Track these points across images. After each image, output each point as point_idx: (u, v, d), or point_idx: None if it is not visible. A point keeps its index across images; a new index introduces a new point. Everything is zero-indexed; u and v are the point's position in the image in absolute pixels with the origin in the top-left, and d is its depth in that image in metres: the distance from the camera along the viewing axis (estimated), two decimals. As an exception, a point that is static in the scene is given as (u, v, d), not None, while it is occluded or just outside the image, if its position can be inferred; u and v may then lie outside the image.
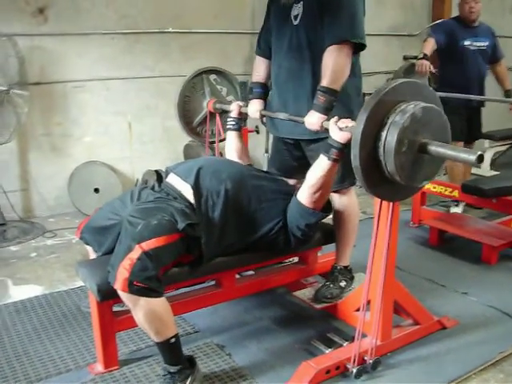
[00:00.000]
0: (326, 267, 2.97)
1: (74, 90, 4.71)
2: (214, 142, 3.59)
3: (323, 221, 2.63)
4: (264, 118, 3.01)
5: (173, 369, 2.25)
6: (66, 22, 4.55)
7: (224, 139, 3.23)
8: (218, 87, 3.61)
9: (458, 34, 4.48)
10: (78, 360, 2.57)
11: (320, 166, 2.32)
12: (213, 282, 2.72)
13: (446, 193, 4.27)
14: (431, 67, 4.42)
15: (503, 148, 6.36)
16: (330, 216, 2.86)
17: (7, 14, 4.32)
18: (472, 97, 4.36)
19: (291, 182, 2.90)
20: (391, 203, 2.23)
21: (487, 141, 6.09)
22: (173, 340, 2.22)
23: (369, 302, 2.44)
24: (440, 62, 4.70)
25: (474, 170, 5.40)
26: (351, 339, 2.46)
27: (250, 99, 3.07)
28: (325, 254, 3.08)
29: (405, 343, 2.64)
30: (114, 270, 2.14)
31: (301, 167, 2.76)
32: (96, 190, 4.78)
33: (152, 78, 4.96)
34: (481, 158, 1.78)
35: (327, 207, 2.54)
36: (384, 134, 1.90)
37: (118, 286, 2.11)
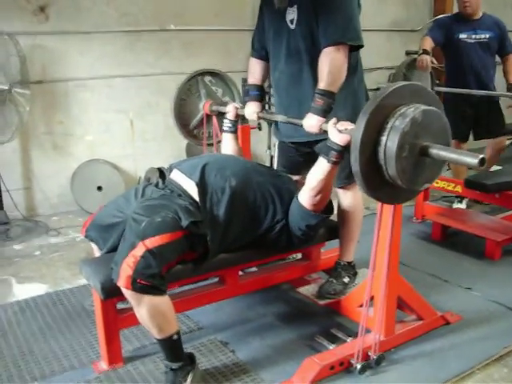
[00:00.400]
0: (330, 263, 2.97)
1: (75, 89, 4.72)
2: (211, 144, 3.58)
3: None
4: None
5: (175, 365, 2.26)
6: (67, 21, 4.55)
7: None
8: (214, 88, 3.59)
9: (453, 28, 4.45)
10: (82, 357, 2.58)
11: (320, 169, 2.31)
12: (216, 279, 2.72)
13: (449, 188, 4.26)
14: (433, 61, 4.40)
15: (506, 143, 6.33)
16: (334, 212, 2.87)
17: (8, 12, 4.32)
18: (465, 91, 4.35)
19: (296, 177, 2.90)
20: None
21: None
22: (175, 337, 2.22)
23: (372, 298, 2.43)
24: (444, 59, 4.69)
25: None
26: (355, 335, 2.46)
27: (246, 101, 3.05)
28: (328, 250, 3.08)
29: (408, 339, 2.64)
30: (118, 267, 2.14)
31: (308, 162, 2.74)
32: (99, 188, 4.79)
33: (153, 76, 4.96)
34: (483, 161, 1.76)
35: (328, 208, 2.53)
36: (384, 138, 1.88)
37: (122, 283, 2.12)
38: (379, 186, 1.98)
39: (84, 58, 4.69)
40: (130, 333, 2.72)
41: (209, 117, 3.45)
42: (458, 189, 4.18)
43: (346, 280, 2.86)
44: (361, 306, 2.48)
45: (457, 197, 4.64)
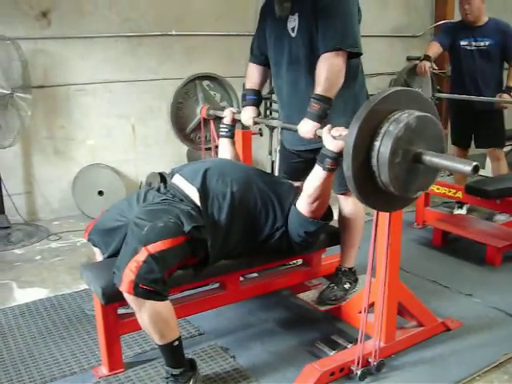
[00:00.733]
0: (330, 269, 2.97)
1: (77, 93, 4.73)
2: (209, 149, 3.58)
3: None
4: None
5: (176, 371, 2.25)
6: (69, 26, 4.57)
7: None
8: (212, 93, 3.59)
9: (456, 34, 4.45)
10: (82, 363, 2.58)
11: (316, 176, 2.30)
12: (217, 285, 2.72)
13: (450, 194, 4.26)
14: (433, 67, 4.40)
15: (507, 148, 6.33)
16: (335, 218, 2.87)
17: (10, 17, 4.33)
18: (463, 97, 4.34)
19: (297, 183, 2.90)
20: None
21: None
22: (176, 343, 2.22)
23: (373, 304, 2.43)
24: (450, 64, 4.68)
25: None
26: (355, 341, 2.46)
27: (243, 106, 3.04)
28: (329, 256, 3.08)
29: (409, 345, 2.64)
30: (120, 271, 2.15)
31: (310, 169, 2.73)
32: (100, 193, 4.79)
33: (155, 81, 4.96)
34: (476, 169, 1.72)
35: (328, 215, 2.52)
36: (377, 144, 1.84)
37: (124, 288, 2.12)
38: (372, 192, 1.94)
39: (86, 63, 4.70)
40: (130, 338, 2.72)
41: (206, 121, 3.45)
42: (459, 195, 4.18)
43: (347, 286, 2.86)
44: (364, 311, 2.48)
45: (457, 202, 4.64)
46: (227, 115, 3.06)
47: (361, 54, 2.63)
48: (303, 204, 2.42)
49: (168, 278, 2.21)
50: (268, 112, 5.17)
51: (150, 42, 4.94)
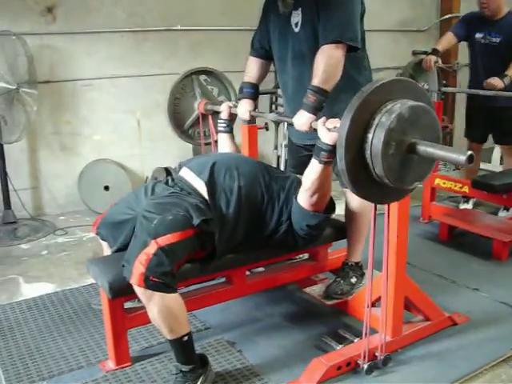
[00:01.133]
0: (337, 263, 2.97)
1: (82, 89, 4.73)
2: (209, 144, 3.56)
3: (334, 217, 2.62)
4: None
5: (185, 368, 2.25)
6: (75, 21, 4.57)
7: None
8: (209, 87, 3.57)
9: (473, 25, 4.33)
10: (89, 357, 2.59)
11: (313, 170, 2.28)
12: (223, 279, 2.73)
13: (456, 188, 4.25)
14: (439, 62, 4.34)
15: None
16: (342, 213, 2.87)
17: (16, 13, 4.34)
18: (472, 91, 4.30)
19: None
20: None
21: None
22: (185, 338, 2.22)
23: (380, 298, 2.43)
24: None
25: (483, 166, 5.38)
26: (362, 335, 2.46)
27: (239, 99, 3.02)
28: (335, 250, 3.08)
29: (415, 339, 2.63)
30: (130, 264, 2.15)
31: None
32: (106, 188, 4.80)
33: (160, 76, 4.96)
34: (471, 159, 1.68)
35: (330, 207, 2.50)
36: (370, 136, 1.81)
37: (134, 280, 2.12)
38: (367, 184, 1.91)
39: (91, 58, 4.71)
40: (137, 332, 2.73)
41: (204, 116, 3.43)
42: (466, 189, 4.17)
43: (354, 280, 2.85)
44: (368, 306, 2.47)
45: (463, 197, 4.63)
46: (224, 110, 3.03)
47: (358, 48, 2.60)
48: (303, 198, 2.41)
49: (176, 272, 2.21)
50: (274, 106, 5.17)
51: (155, 37, 4.94)
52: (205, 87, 3.54)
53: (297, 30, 2.66)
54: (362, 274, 2.90)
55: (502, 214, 4.39)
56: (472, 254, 3.74)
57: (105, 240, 2.63)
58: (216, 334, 2.76)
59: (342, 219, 2.91)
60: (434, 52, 4.30)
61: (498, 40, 4.22)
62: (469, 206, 4.61)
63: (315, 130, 2.32)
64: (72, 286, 3.37)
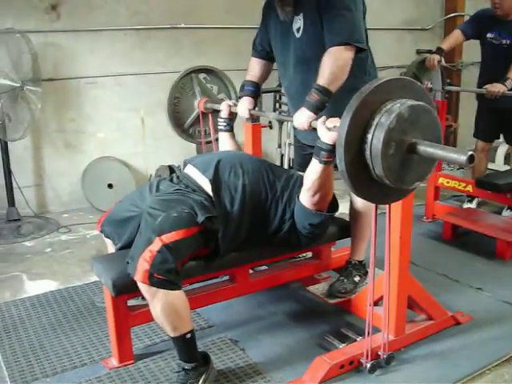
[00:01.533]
0: (340, 262, 2.97)
1: (86, 87, 4.73)
2: (210, 142, 3.55)
3: (338, 215, 2.61)
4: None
5: (187, 366, 2.25)
6: (79, 19, 4.58)
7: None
8: (209, 86, 3.56)
9: (485, 24, 4.25)
10: (92, 354, 2.59)
11: (313, 170, 2.28)
12: (227, 277, 2.73)
13: (460, 187, 4.24)
14: (442, 61, 4.30)
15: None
16: (346, 211, 2.86)
17: (20, 10, 4.34)
18: (477, 90, 4.27)
19: None
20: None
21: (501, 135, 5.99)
22: (188, 336, 2.22)
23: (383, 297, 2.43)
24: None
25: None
26: (365, 334, 2.46)
27: (239, 96, 3.01)
28: (339, 249, 3.07)
29: (418, 338, 2.63)
30: (135, 261, 2.16)
31: None
32: (110, 186, 4.80)
33: (164, 74, 4.95)
34: (472, 159, 1.67)
35: (333, 206, 2.50)
36: (370, 136, 1.79)
37: (139, 277, 2.13)
38: (367, 185, 1.90)
39: (95, 56, 4.71)
40: (140, 330, 2.73)
41: (205, 115, 3.43)
42: (469, 188, 4.16)
43: (357, 279, 2.85)
44: (370, 305, 2.47)
45: (467, 196, 4.62)
46: (224, 108, 3.03)
47: (364, 49, 2.60)
48: (305, 197, 2.40)
49: (180, 269, 2.21)
50: (277, 105, 5.17)
51: (158, 35, 4.95)
52: (204, 85, 3.52)
53: (298, 35, 2.66)
54: (366, 273, 2.90)
55: (506, 213, 4.38)
56: (475, 253, 3.73)
57: (109, 237, 2.64)
58: (219, 332, 2.77)
59: (346, 218, 2.91)
60: (438, 51, 4.27)
61: (508, 42, 4.15)
62: (472, 205, 4.60)
63: (314, 129, 2.32)
64: (75, 283, 3.37)
